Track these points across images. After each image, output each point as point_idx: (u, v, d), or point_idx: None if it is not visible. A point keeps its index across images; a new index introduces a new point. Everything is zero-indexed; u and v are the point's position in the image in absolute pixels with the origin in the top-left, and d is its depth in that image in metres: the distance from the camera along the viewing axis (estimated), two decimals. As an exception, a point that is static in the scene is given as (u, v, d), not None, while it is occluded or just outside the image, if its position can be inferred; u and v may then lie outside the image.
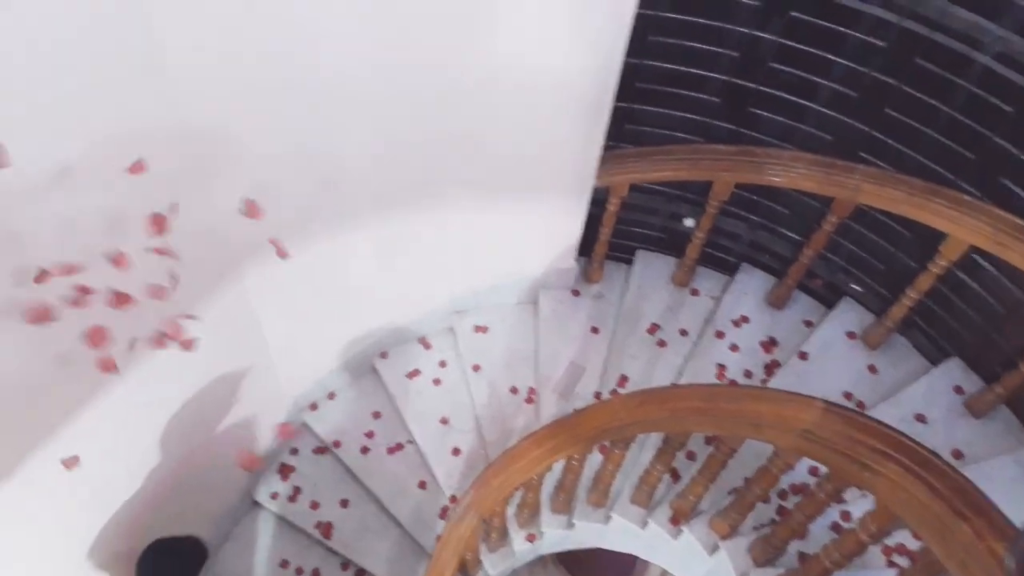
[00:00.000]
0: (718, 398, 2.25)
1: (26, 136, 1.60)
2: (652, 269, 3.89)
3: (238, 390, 3.04)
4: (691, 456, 3.26)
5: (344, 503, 3.75)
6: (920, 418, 3.13)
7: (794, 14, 2.82)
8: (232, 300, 2.71)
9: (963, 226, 2.74)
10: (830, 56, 2.90)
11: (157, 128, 1.94)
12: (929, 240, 2.97)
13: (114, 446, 2.52)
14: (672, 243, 3.86)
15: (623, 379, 3.59)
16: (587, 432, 2.60)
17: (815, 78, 2.98)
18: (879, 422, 1.87)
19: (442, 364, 3.95)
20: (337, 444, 3.84)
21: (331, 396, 3.97)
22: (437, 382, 3.91)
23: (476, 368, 3.85)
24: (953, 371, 3.26)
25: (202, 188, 2.21)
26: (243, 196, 2.37)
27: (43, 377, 2.03)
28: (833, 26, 2.80)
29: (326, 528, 3.67)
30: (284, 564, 3.67)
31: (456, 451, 3.72)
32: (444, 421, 3.79)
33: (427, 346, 4.01)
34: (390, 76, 2.38)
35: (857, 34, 2.79)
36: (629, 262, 3.97)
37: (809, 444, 2.03)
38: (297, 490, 3.79)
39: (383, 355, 3.96)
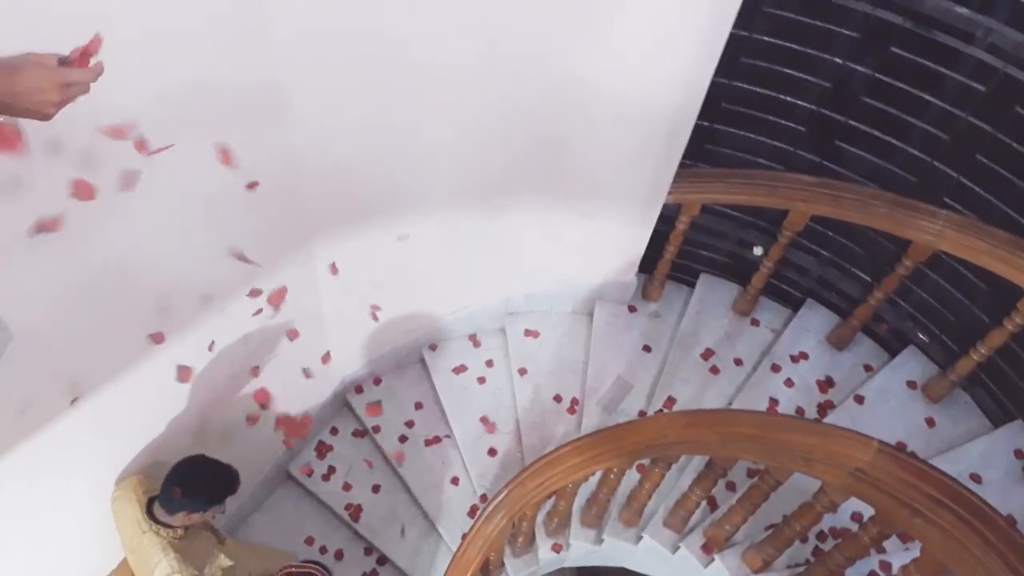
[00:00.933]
0: (770, 427, 2.19)
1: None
2: (714, 294, 3.83)
3: (290, 357, 3.08)
4: (731, 487, 3.18)
5: (376, 488, 3.76)
6: (975, 478, 3.00)
7: (894, 49, 2.75)
8: (298, 269, 2.75)
9: (1048, 285, 2.63)
10: (926, 96, 2.82)
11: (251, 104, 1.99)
12: (1008, 295, 2.86)
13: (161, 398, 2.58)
14: (737, 270, 3.79)
15: (671, 401, 3.53)
16: (631, 446, 2.57)
17: (907, 117, 2.90)
18: (936, 469, 1.80)
19: (489, 363, 3.94)
20: (377, 429, 3.86)
21: (377, 381, 3.99)
22: (482, 380, 3.90)
23: (522, 371, 3.84)
24: (1016, 434, 3.13)
25: (287, 156, 2.25)
26: (327, 167, 2.41)
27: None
28: (932, 65, 2.72)
29: (355, 511, 3.69)
30: (309, 541, 3.70)
31: (492, 451, 3.71)
32: (484, 420, 3.78)
33: (476, 344, 4.01)
34: (491, 65, 2.39)
35: (957, 76, 2.71)
36: (691, 284, 3.91)
37: (860, 484, 1.96)
38: (332, 470, 3.81)
39: (432, 347, 3.97)
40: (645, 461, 2.82)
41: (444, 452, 3.80)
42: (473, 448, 3.71)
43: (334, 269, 2.93)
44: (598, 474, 2.92)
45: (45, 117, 1.17)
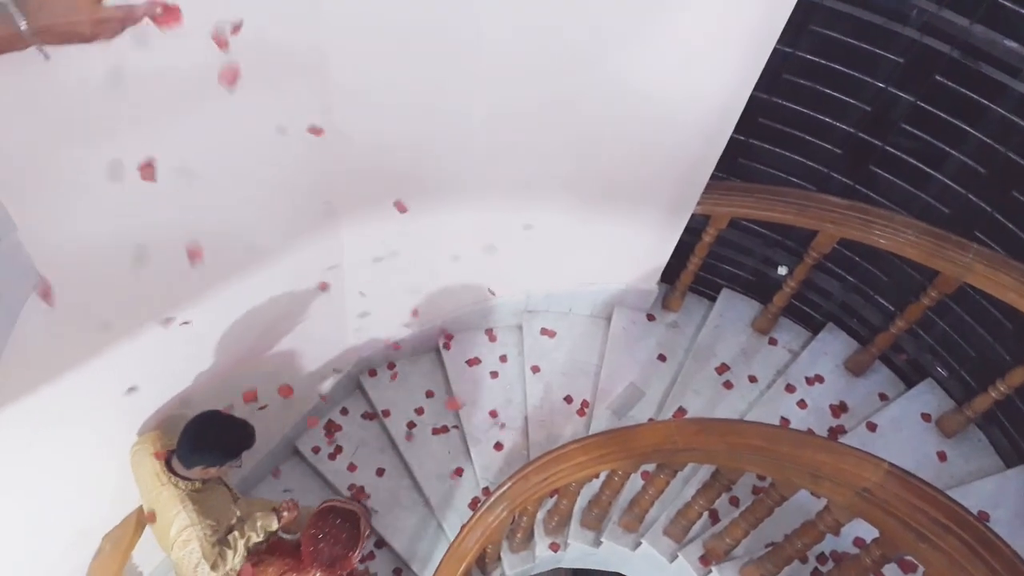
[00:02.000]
0: (780, 441, 2.18)
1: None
2: (734, 310, 3.82)
3: (308, 329, 3.11)
4: (734, 502, 3.17)
5: (380, 472, 3.78)
6: (983, 515, 2.97)
7: (938, 78, 2.74)
8: (326, 246, 2.79)
9: (1074, 327, 2.60)
10: (966, 127, 2.80)
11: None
12: (1032, 336, 2.84)
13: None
14: (760, 288, 3.78)
15: (681, 411, 3.52)
16: (639, 449, 2.56)
17: (945, 147, 2.88)
18: (944, 494, 1.79)
19: (503, 359, 3.95)
20: (386, 413, 3.88)
21: (390, 366, 4.02)
22: (495, 375, 3.91)
23: (535, 369, 3.84)
24: (1030, 477, 3.09)
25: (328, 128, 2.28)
26: (364, 146, 2.44)
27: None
28: (976, 97, 2.71)
29: (358, 492, 3.71)
30: (310, 517, 3.72)
31: (499, 446, 3.72)
32: (493, 414, 3.79)
33: (492, 338, 4.02)
34: (538, 57, 2.41)
35: (1000, 110, 2.69)
36: (712, 298, 3.91)
37: (866, 504, 1.95)
38: (339, 449, 3.84)
39: (448, 337, 3.99)
40: (651, 467, 2.82)
41: (450, 442, 3.81)
42: (480, 441, 3.72)
43: (361, 248, 2.95)
44: (602, 476, 2.92)
45: (83, 39, 1.23)
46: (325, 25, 2.01)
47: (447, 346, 3.96)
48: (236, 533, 2.67)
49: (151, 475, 2.52)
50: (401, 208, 2.78)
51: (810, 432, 3.35)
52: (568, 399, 3.76)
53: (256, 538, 2.72)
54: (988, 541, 1.68)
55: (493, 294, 3.67)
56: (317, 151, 2.29)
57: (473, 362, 3.92)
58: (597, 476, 2.88)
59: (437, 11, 2.16)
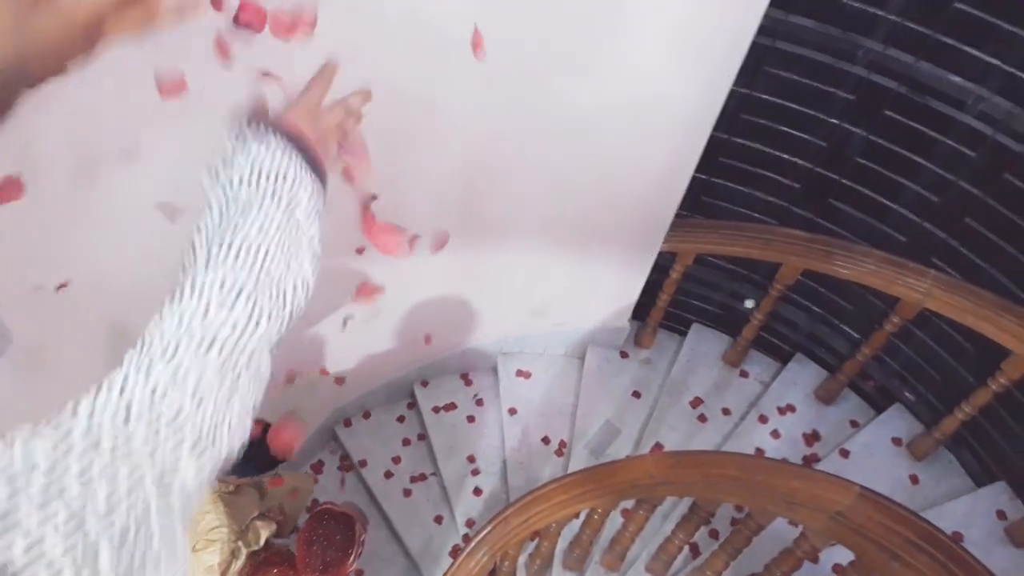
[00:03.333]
0: (755, 470, 2.22)
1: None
2: (705, 344, 3.87)
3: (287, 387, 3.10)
4: (714, 534, 3.18)
5: (359, 522, 3.74)
6: (957, 536, 3.01)
7: (888, 113, 2.86)
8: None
9: (1031, 347, 2.69)
10: (918, 159, 2.91)
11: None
12: (992, 356, 2.91)
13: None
14: (729, 321, 3.85)
15: (658, 447, 3.54)
16: (617, 485, 2.58)
17: (900, 179, 2.99)
18: (915, 513, 1.83)
19: (479, 402, 3.96)
20: (363, 463, 3.86)
21: (366, 415, 4.01)
22: (471, 419, 3.92)
23: (512, 412, 3.86)
24: (999, 495, 3.14)
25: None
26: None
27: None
28: (925, 130, 2.82)
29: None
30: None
31: (478, 491, 3.71)
32: (471, 459, 3.79)
33: (468, 382, 4.03)
34: (502, 96, 2.47)
35: (948, 141, 2.81)
36: (683, 333, 3.96)
37: (840, 528, 1.98)
38: (315, 503, 3.80)
39: (423, 383, 4.00)
40: (630, 504, 2.83)
41: (429, 490, 3.79)
42: (458, 487, 3.71)
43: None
44: (582, 515, 2.92)
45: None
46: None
47: (423, 392, 3.96)
48: (242, 543, 2.63)
49: None
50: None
51: (784, 461, 3.39)
52: (546, 440, 3.77)
53: (255, 546, 2.69)
54: (959, 558, 1.71)
55: (427, 342, 3.65)
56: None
57: (449, 407, 3.93)
58: (577, 515, 2.87)
59: (405, 61, 2.22)
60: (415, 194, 2.72)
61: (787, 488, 2.13)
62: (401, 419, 4.00)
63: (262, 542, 2.71)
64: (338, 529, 2.60)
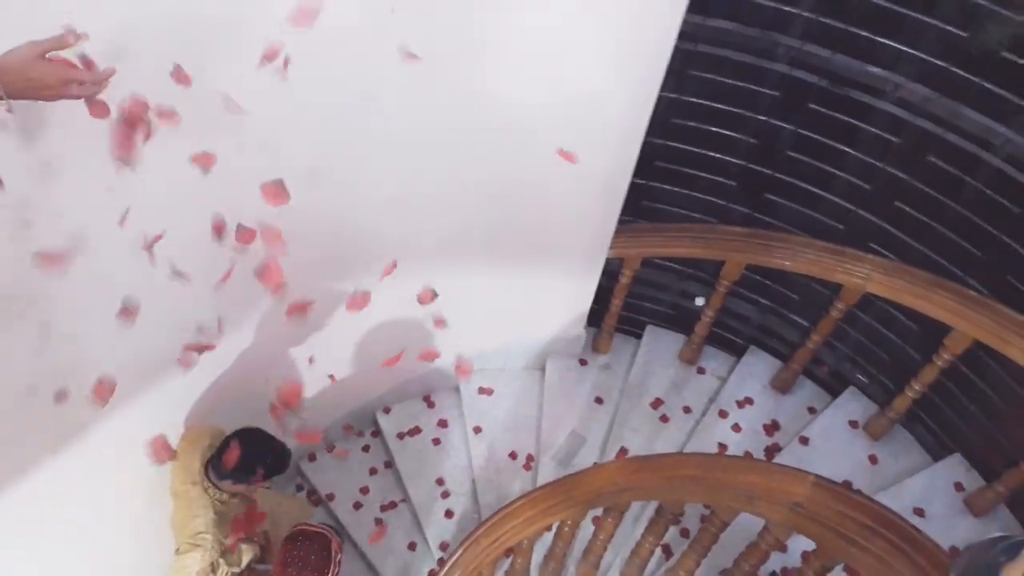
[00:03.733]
0: (713, 467, 2.25)
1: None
2: (660, 344, 3.92)
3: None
4: (685, 533, 3.22)
5: (332, 556, 3.69)
6: (919, 512, 3.09)
7: (812, 106, 2.93)
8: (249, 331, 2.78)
9: (967, 320, 2.77)
10: (845, 148, 2.99)
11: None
12: (936, 334, 3.00)
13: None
14: (682, 320, 3.90)
15: (623, 451, 3.57)
16: (583, 495, 2.60)
17: (830, 168, 3.07)
18: (868, 498, 1.87)
19: (443, 424, 3.96)
20: (331, 497, 3.83)
21: (330, 448, 3.97)
22: (437, 442, 3.91)
23: (477, 430, 3.86)
24: (955, 467, 3.23)
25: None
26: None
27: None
28: (849, 119, 2.90)
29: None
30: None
31: (449, 513, 3.70)
32: (440, 482, 3.78)
33: (431, 405, 4.02)
34: (439, 121, 2.49)
35: (872, 129, 2.89)
36: (638, 336, 4.01)
37: (799, 518, 2.02)
38: (286, 539, 3.75)
39: (386, 410, 3.98)
40: (599, 512, 2.85)
41: (400, 516, 3.77)
42: (429, 511, 3.69)
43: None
44: (554, 528, 2.93)
45: (49, 99, 1.36)
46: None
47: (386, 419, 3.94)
48: (223, 560, 2.63)
49: (188, 469, 2.56)
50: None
51: (748, 455, 3.44)
52: (513, 455, 3.78)
53: (236, 570, 2.69)
54: (911, 538, 1.76)
55: (331, 379, 3.62)
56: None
57: (414, 432, 3.91)
58: (549, 529, 2.89)
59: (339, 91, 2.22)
60: (358, 225, 2.73)
61: (745, 483, 2.17)
62: (366, 448, 3.98)
63: (243, 565, 2.70)
64: (313, 549, 2.59)
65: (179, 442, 2.67)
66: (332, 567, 2.59)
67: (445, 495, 3.73)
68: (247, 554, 2.74)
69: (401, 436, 3.90)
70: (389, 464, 3.91)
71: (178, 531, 2.57)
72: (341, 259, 2.88)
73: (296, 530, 2.67)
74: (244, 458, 2.50)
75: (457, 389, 3.99)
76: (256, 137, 2.15)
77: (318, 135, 2.33)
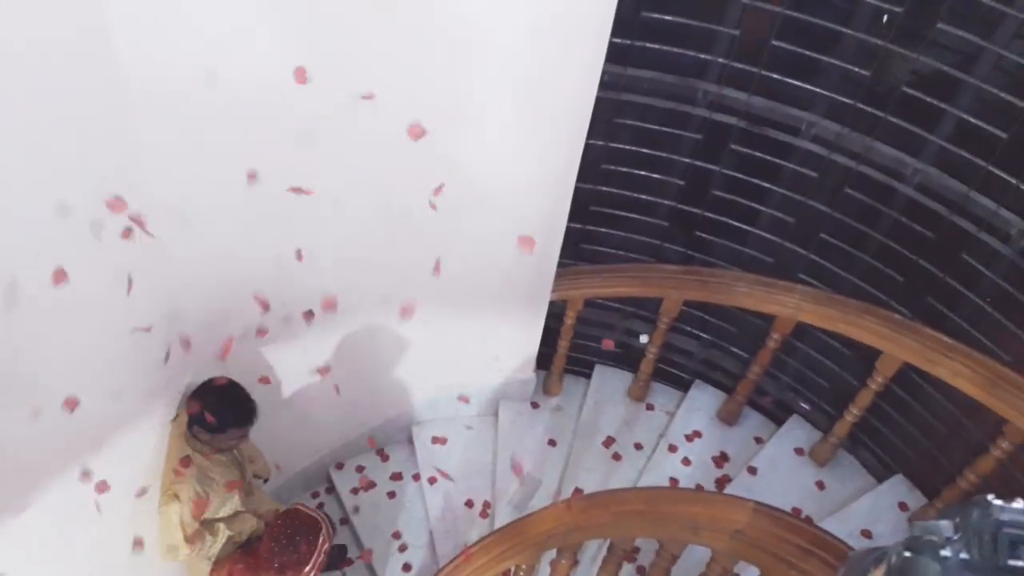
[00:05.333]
0: (658, 501, 2.29)
1: None
2: (609, 383, 3.98)
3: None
4: (641, 571, 3.24)
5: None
6: (866, 533, 3.16)
7: (733, 147, 3.07)
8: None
9: (895, 343, 2.88)
10: (768, 185, 3.13)
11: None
12: (869, 358, 3.10)
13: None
14: (629, 358, 3.97)
15: (578, 492, 3.59)
16: (535, 538, 2.61)
17: (755, 205, 3.20)
18: (803, 520, 1.93)
19: (397, 476, 3.93)
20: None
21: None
22: (392, 495, 3.88)
23: (432, 481, 3.84)
24: (898, 487, 3.32)
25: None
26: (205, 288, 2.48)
27: None
28: (770, 158, 3.04)
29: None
30: None
31: (407, 567, 3.66)
32: (397, 535, 3.75)
33: (384, 458, 4.01)
34: (368, 180, 2.55)
35: (791, 165, 3.03)
36: (588, 376, 4.06)
37: (742, 545, 2.07)
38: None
39: (338, 466, 3.95)
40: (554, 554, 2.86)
41: (357, 573, 3.72)
42: (387, 566, 3.65)
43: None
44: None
45: None
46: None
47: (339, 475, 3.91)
48: (223, 524, 2.63)
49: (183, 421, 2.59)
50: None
51: (699, 487, 3.50)
52: (469, 503, 3.77)
53: (236, 536, 2.70)
54: (845, 556, 1.82)
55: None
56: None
57: (368, 486, 3.89)
58: (507, 574, 2.89)
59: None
60: (301, 278, 2.76)
61: (689, 514, 2.22)
62: (321, 506, 3.93)
63: (243, 537, 2.72)
64: (301, 531, 2.55)
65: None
66: (316, 555, 2.55)
67: (402, 548, 3.69)
68: (248, 523, 2.74)
69: (355, 491, 3.87)
70: (344, 520, 3.87)
71: (162, 484, 2.59)
72: (286, 320, 2.90)
73: (293, 508, 2.63)
74: (206, 406, 2.55)
75: (410, 440, 3.99)
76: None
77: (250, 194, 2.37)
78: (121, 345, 2.22)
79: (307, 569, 2.53)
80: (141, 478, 2.54)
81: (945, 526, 0.77)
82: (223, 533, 2.67)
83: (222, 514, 2.73)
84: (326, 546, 2.61)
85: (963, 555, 0.76)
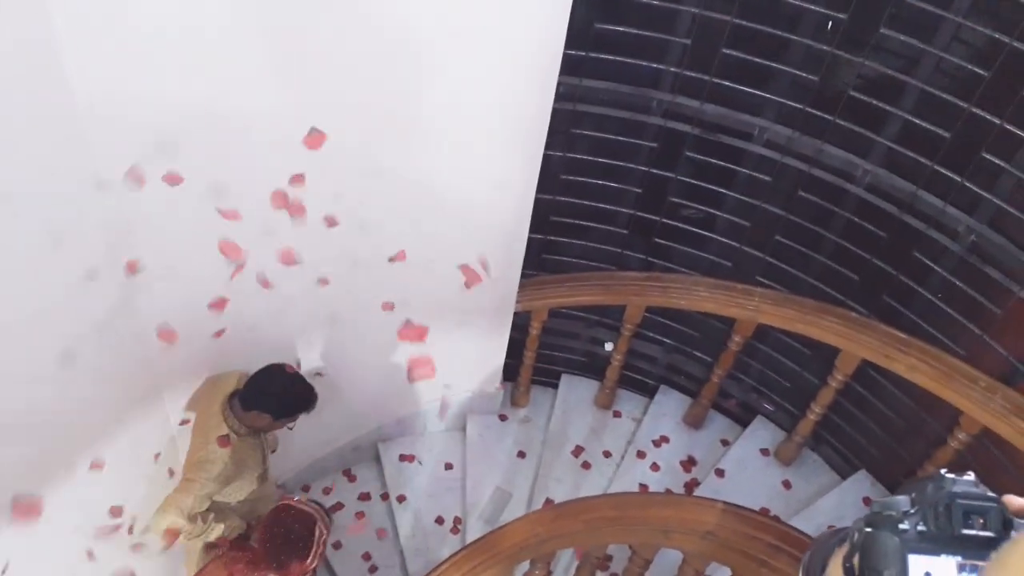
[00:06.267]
0: (627, 506, 2.31)
1: None
2: (576, 392, 3.99)
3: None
4: (616, 578, 3.25)
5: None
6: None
7: (688, 154, 3.11)
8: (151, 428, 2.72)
9: (853, 341, 2.95)
10: (723, 191, 3.18)
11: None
12: (828, 357, 3.16)
13: None
14: (594, 367, 3.99)
15: (549, 502, 3.59)
16: (507, 550, 2.60)
17: (712, 210, 3.25)
18: (771, 518, 1.96)
19: (366, 497, 3.90)
20: (255, 585, 3.69)
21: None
22: (360, 515, 3.84)
23: (401, 499, 3.81)
24: (861, 483, 3.38)
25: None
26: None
27: None
28: (724, 163, 3.09)
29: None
30: None
31: (378, 588, 3.62)
32: (367, 556, 3.70)
33: (352, 478, 3.97)
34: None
35: (745, 171, 3.09)
36: (555, 386, 4.07)
37: (712, 546, 2.09)
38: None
39: (304, 488, 3.90)
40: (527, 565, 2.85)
41: (330, 600, 3.67)
42: (359, 589, 3.61)
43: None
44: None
45: None
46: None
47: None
48: (221, 525, 2.66)
49: (214, 405, 2.64)
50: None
51: (668, 491, 3.52)
52: (440, 520, 3.74)
53: (222, 533, 2.68)
54: (812, 550, 1.84)
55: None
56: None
57: (335, 508, 3.83)
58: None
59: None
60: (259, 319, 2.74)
61: (659, 518, 2.23)
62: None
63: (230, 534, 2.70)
64: (294, 525, 2.51)
65: (203, 384, 2.77)
66: (315, 547, 2.51)
67: (373, 570, 3.65)
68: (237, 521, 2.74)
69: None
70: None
71: (187, 461, 2.63)
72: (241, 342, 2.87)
73: (283, 504, 2.59)
74: (276, 387, 2.64)
75: (378, 459, 3.95)
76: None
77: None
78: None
79: (309, 561, 2.49)
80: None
81: (902, 500, 0.81)
82: (213, 528, 2.66)
83: (239, 498, 2.74)
84: (324, 536, 2.58)
85: (920, 527, 0.80)
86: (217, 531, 2.67)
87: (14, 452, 2.16)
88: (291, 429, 2.80)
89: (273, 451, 3.14)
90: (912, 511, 0.80)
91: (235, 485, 2.69)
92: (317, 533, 2.54)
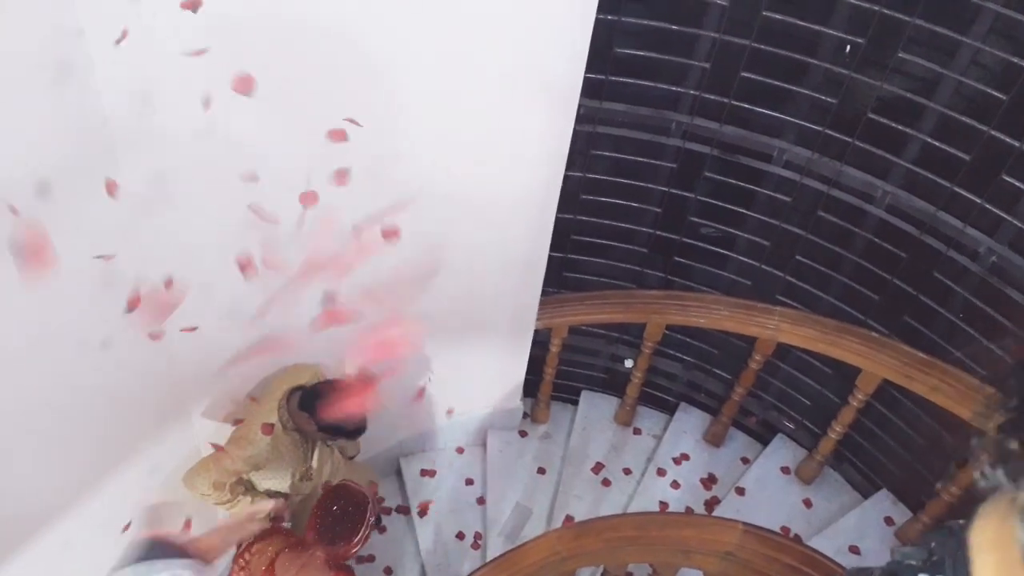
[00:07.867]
0: (648, 526, 2.33)
1: None
2: (596, 409, 4.02)
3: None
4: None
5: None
6: (854, 549, 3.20)
7: (707, 174, 3.14)
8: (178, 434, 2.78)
9: (874, 361, 2.95)
10: (743, 211, 3.20)
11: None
12: (849, 376, 3.16)
13: None
14: (614, 383, 4.01)
15: (569, 519, 3.61)
16: (527, 569, 2.62)
17: (732, 230, 3.27)
18: (791, 539, 1.97)
19: (387, 511, 3.93)
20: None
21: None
22: (382, 530, 3.88)
23: (422, 513, 3.85)
24: (883, 502, 3.37)
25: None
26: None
27: None
28: (743, 184, 3.12)
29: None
30: None
31: (400, 603, 3.65)
32: (388, 571, 3.73)
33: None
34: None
35: (765, 191, 3.11)
36: (574, 402, 4.10)
37: (733, 567, 2.10)
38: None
39: (329, 501, 3.94)
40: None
41: (351, 612, 3.70)
42: (381, 603, 3.64)
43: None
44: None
45: None
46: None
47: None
48: (248, 497, 2.71)
49: (282, 388, 2.71)
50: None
51: (689, 511, 3.53)
52: (460, 535, 3.77)
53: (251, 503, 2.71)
54: (832, 573, 1.86)
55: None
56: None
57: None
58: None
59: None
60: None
61: (680, 538, 2.25)
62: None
63: (237, 502, 2.72)
64: (351, 506, 2.55)
65: (279, 372, 2.81)
66: (364, 528, 2.54)
67: (395, 585, 3.69)
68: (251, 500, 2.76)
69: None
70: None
71: (232, 432, 2.71)
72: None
73: (340, 484, 2.63)
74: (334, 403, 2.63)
75: (399, 473, 3.99)
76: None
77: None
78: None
79: (356, 540, 2.53)
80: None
81: (921, 551, 0.82)
82: (239, 500, 2.71)
83: (271, 487, 2.78)
84: (372, 519, 2.62)
85: None
86: (243, 504, 2.72)
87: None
88: (329, 446, 2.83)
89: (351, 457, 3.22)
90: (931, 560, 0.81)
91: (264, 473, 2.73)
92: (368, 513, 2.59)
